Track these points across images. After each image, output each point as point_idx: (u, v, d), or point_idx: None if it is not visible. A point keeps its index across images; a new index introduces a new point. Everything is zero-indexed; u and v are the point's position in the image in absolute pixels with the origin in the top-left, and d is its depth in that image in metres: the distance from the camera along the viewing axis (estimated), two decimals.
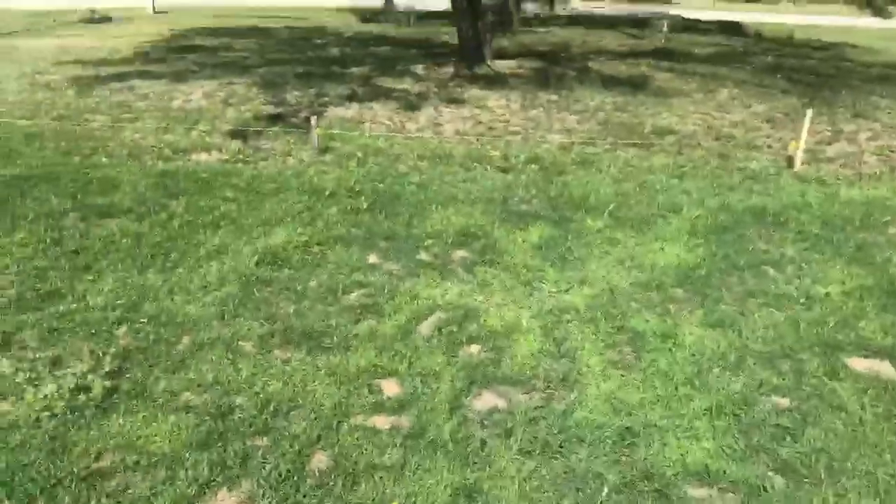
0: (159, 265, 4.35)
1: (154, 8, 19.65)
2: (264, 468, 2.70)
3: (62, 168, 6.03)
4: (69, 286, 4.06)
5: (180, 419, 2.96)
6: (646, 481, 2.71)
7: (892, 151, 7.53)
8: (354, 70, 11.15)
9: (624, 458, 2.82)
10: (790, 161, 6.79)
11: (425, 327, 3.77)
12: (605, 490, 2.65)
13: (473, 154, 6.82)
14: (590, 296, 4.16)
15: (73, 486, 2.58)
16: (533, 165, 6.56)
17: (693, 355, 3.56)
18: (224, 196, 5.47)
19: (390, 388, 3.24)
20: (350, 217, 5.16)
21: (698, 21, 21.18)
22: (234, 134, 7.25)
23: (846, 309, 4.07)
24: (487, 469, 2.74)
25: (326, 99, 9.06)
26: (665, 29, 16.97)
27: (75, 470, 2.65)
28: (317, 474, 2.69)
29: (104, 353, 3.35)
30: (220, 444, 2.83)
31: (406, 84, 10.20)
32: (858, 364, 3.54)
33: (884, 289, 4.33)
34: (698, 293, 4.21)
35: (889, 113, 9.42)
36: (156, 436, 2.87)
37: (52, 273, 4.20)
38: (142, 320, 3.72)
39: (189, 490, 2.58)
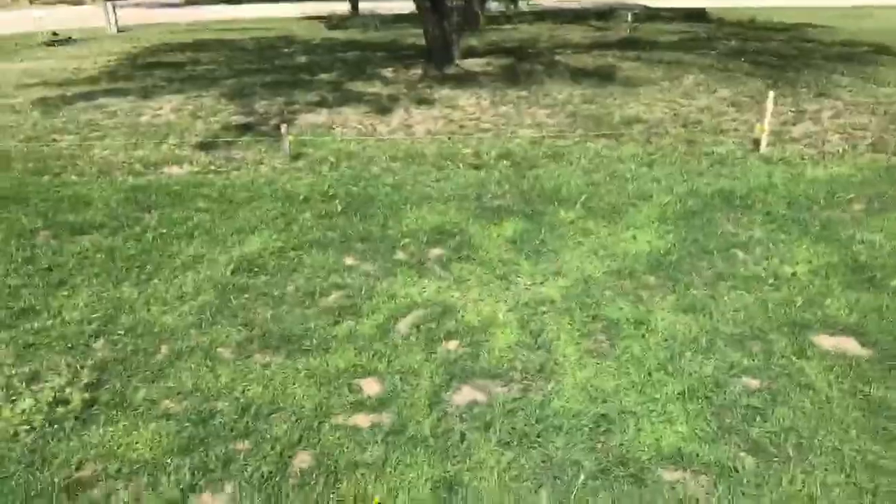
0: (134, 278, 4.34)
1: (116, 27, 19.40)
2: (246, 470, 2.73)
3: (32, 188, 5.97)
4: (44, 303, 4.04)
5: (161, 426, 2.98)
6: (621, 467, 2.78)
7: (854, 129, 7.71)
8: (323, 76, 11.13)
9: (600, 445, 2.89)
10: (756, 144, 6.94)
11: (403, 325, 3.81)
12: (582, 477, 2.72)
13: (445, 153, 6.87)
14: (564, 287, 4.23)
15: (54, 496, 2.59)
16: (505, 161, 6.63)
17: (666, 340, 3.65)
18: (197, 207, 5.46)
19: (370, 386, 3.28)
20: (325, 221, 5.18)
21: (662, 10, 21.47)
22: (205, 146, 7.23)
23: (813, 287, 4.19)
24: (467, 461, 2.80)
25: (296, 106, 9.05)
26: (630, 19, 17.18)
27: (56, 480, 2.66)
28: (299, 474, 2.72)
29: (82, 366, 3.35)
30: (201, 448, 2.85)
31: (376, 87, 10.22)
32: (825, 342, 3.64)
33: (848, 266, 4.45)
34: (670, 279, 4.30)
35: (850, 91, 9.64)
36: (137, 443, 2.88)
37: (25, 291, 4.18)
38: (119, 332, 3.72)
39: (172, 494, 2.60)
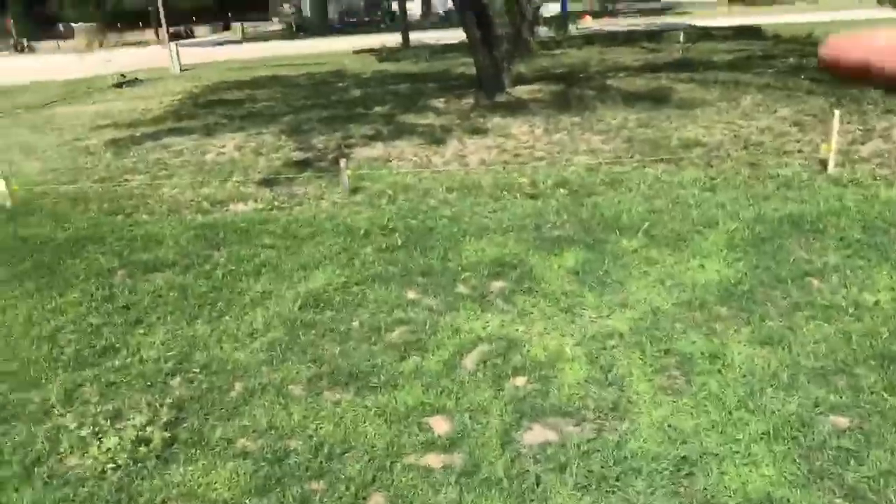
0: (206, 315, 4.47)
1: (179, 67, 20.37)
2: None
3: (107, 228, 6.26)
4: (123, 341, 4.20)
5: (238, 465, 3.03)
6: None
7: None
8: (377, 109, 11.37)
9: (683, 490, 2.78)
10: (823, 164, 6.69)
11: (469, 361, 3.79)
12: None
13: (501, 182, 6.88)
14: (632, 319, 4.14)
15: None
16: (561, 189, 6.58)
17: (744, 376, 3.51)
18: (263, 243, 5.61)
19: (440, 425, 3.26)
20: (385, 255, 5.24)
21: (714, 28, 21.13)
22: (267, 182, 7.45)
23: None
24: None
25: (352, 140, 9.25)
26: (682, 40, 16.97)
27: None
28: None
29: (161, 405, 3.46)
30: (277, 488, 2.88)
31: (429, 119, 10.37)
32: None
33: None
34: (743, 309, 4.16)
35: None
36: (216, 483, 2.94)
37: (105, 329, 4.36)
38: (194, 370, 3.83)
39: None
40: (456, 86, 13.35)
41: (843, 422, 3.14)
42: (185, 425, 3.33)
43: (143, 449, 3.10)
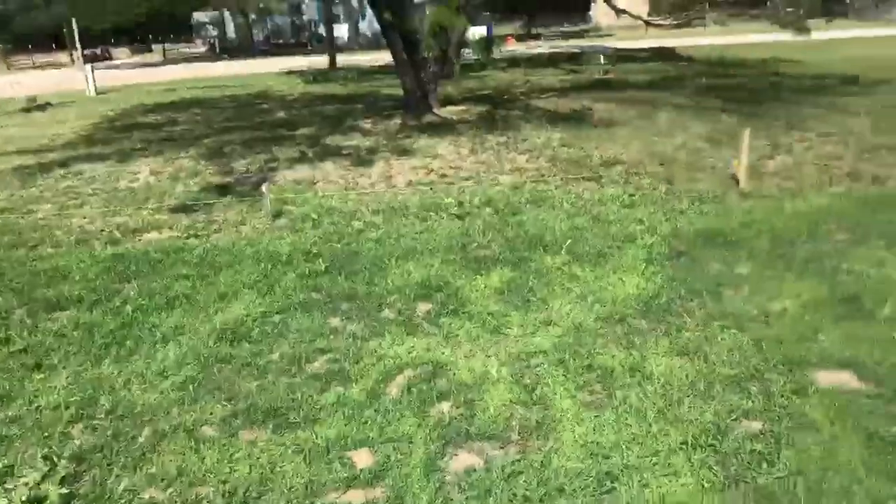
0: (114, 355, 4.19)
1: (95, 89, 19.52)
2: None
3: (6, 264, 5.83)
4: (19, 388, 3.87)
5: None
6: None
7: (830, 160, 7.85)
8: (303, 131, 11.21)
9: None
10: (735, 180, 7.01)
11: (394, 388, 3.70)
12: None
13: (428, 203, 6.86)
14: (556, 336, 4.15)
15: None
16: (488, 208, 6.63)
17: (663, 387, 3.57)
18: (177, 274, 5.35)
19: (362, 458, 3.15)
20: (309, 281, 5.10)
21: (633, 50, 22.07)
22: (184, 209, 7.17)
23: (804, 322, 4.15)
24: None
25: (276, 163, 9.07)
26: (603, 61, 17.61)
27: None
28: None
29: (59, 457, 3.18)
30: None
31: (355, 140, 10.29)
32: (823, 378, 3.58)
33: (837, 298, 4.43)
34: (661, 322, 4.25)
35: (821, 122, 9.86)
36: None
37: None
38: (98, 416, 3.57)
39: None
40: (383, 107, 13.35)
41: (756, 426, 3.23)
42: (85, 479, 3.08)
43: None
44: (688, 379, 3.63)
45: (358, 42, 31.59)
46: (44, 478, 3.02)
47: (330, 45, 23.55)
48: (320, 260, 5.46)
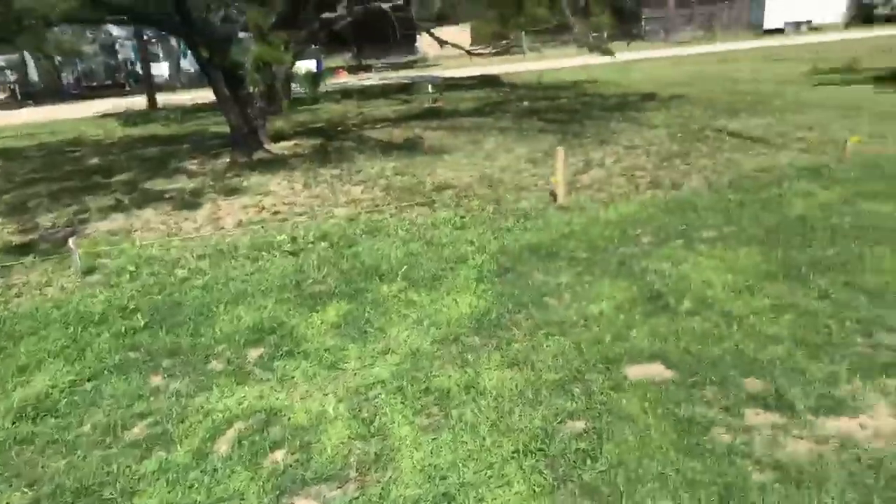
0: None
1: None
2: None
3: None
4: None
5: None
6: None
7: (635, 170, 8.70)
8: (119, 177, 10.39)
9: None
10: (553, 196, 7.53)
11: (223, 444, 3.47)
12: None
13: (259, 243, 6.62)
14: (394, 364, 4.15)
15: None
16: (322, 243, 6.53)
17: (495, 400, 3.69)
18: None
19: None
20: (125, 340, 4.67)
21: (460, 79, 23.15)
22: None
23: (618, 322, 4.51)
24: None
25: (88, 214, 8.28)
26: (431, 90, 18.26)
27: None
28: None
29: None
30: None
31: (179, 183, 9.71)
32: (636, 372, 3.90)
33: (645, 296, 4.88)
34: (493, 336, 4.41)
35: (627, 136, 10.94)
36: None
37: None
38: None
39: None
40: (210, 146, 12.76)
41: (579, 425, 3.43)
42: None
43: None
44: (517, 388, 3.78)
45: (180, 80, 30.05)
46: None
47: (149, 85, 22.16)
48: (138, 315, 5.03)
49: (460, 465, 3.18)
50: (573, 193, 7.71)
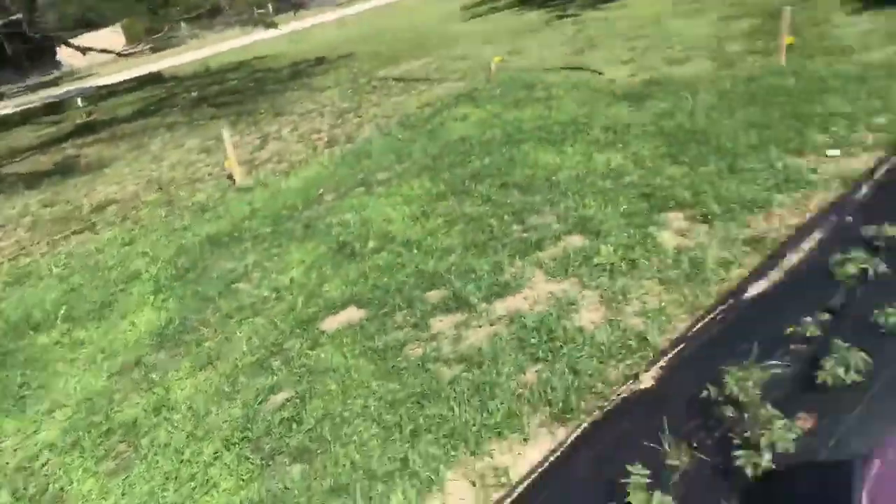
0: None
1: None
2: None
3: None
4: None
5: None
6: None
7: (312, 134, 8.63)
8: None
9: None
10: (232, 179, 7.12)
11: None
12: None
13: None
14: (65, 419, 3.55)
15: None
16: None
17: (190, 408, 3.36)
18: None
19: None
20: None
21: (117, 84, 20.71)
22: None
23: (311, 282, 4.42)
24: None
25: None
26: (82, 104, 16.03)
27: None
28: None
29: None
30: None
31: None
32: (332, 323, 3.86)
33: (333, 249, 4.84)
34: (179, 345, 4.02)
35: (301, 103, 10.81)
36: None
37: None
38: None
39: None
40: None
41: (282, 397, 3.29)
42: None
43: None
44: (213, 388, 3.50)
45: None
46: None
47: None
48: None
49: (159, 492, 2.84)
50: (253, 172, 7.38)
